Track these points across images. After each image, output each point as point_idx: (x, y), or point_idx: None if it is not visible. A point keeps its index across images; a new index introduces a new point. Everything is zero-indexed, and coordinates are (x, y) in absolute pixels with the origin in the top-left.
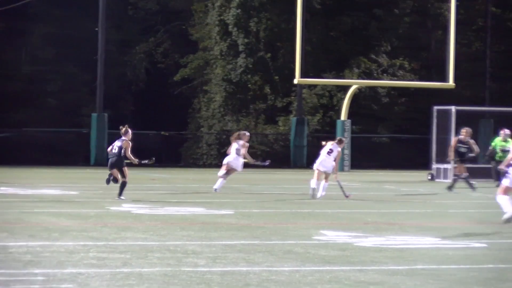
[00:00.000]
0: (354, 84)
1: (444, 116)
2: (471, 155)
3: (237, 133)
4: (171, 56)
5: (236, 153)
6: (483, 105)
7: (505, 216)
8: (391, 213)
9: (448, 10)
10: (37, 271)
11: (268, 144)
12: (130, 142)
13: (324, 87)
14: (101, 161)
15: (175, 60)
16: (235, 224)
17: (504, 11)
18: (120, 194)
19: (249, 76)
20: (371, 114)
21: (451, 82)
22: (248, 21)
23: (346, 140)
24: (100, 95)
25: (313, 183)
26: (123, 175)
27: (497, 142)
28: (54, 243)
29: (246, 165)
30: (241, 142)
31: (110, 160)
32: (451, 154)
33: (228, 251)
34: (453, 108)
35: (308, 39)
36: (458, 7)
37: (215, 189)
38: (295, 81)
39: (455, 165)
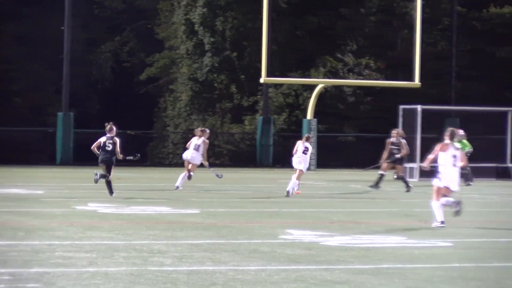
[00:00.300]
0: (320, 83)
1: (410, 115)
2: (397, 156)
3: (203, 129)
4: (137, 55)
5: (194, 149)
6: (449, 104)
7: (434, 225)
8: (357, 212)
9: (414, 9)
10: (3, 270)
11: (234, 143)
12: (117, 139)
13: (290, 86)
14: (67, 160)
15: (141, 59)
16: (201, 223)
17: (469, 10)
18: (111, 191)
19: (215, 75)
20: (337, 113)
21: (417, 81)
22: (214, 20)
23: (312, 137)
24: (66, 94)
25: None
26: (110, 173)
27: None
28: (20, 242)
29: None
30: (202, 138)
31: (103, 158)
32: (384, 156)
33: (194, 250)
34: (419, 107)
35: (274, 38)
36: (424, 6)
37: (177, 187)
38: (261, 80)
39: (384, 165)
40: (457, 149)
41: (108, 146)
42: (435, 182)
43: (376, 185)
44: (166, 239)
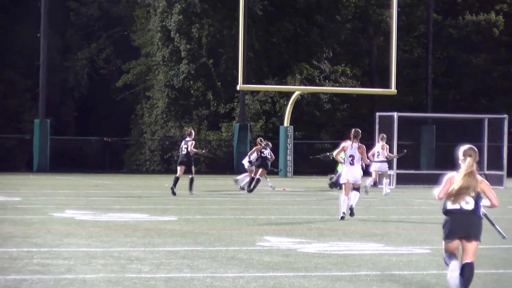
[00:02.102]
0: (297, 91)
1: (386, 122)
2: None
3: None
4: (113, 62)
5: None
6: (425, 111)
7: (341, 215)
8: (334, 219)
9: (390, 16)
10: None
11: (211, 150)
12: (193, 142)
13: (267, 93)
14: (43, 167)
15: (117, 66)
16: (179, 230)
17: (445, 18)
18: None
19: (191, 82)
20: (313, 120)
21: (393, 89)
22: (190, 27)
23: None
24: (42, 101)
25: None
26: (191, 172)
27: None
28: None
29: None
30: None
31: (182, 159)
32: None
33: (172, 258)
34: (395, 114)
35: (250, 45)
36: (399, 14)
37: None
38: (238, 87)
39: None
40: (358, 148)
41: (184, 150)
42: (341, 180)
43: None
44: (144, 246)
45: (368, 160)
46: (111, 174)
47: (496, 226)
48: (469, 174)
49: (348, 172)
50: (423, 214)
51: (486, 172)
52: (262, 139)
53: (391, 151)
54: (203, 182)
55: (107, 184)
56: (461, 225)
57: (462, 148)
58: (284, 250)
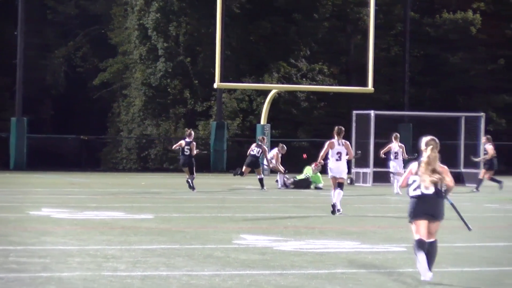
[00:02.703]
0: (274, 89)
1: (363, 121)
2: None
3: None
4: (91, 60)
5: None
6: (402, 109)
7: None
8: (311, 217)
9: (367, 15)
10: None
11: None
12: (194, 143)
13: (244, 91)
14: (20, 165)
15: (94, 64)
16: (155, 228)
17: (422, 16)
18: (193, 187)
19: (168, 80)
20: (290, 119)
21: (370, 87)
22: (168, 25)
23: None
24: (19, 99)
25: None
26: (192, 173)
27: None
28: None
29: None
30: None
31: (184, 161)
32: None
33: (148, 256)
34: (372, 113)
35: (228, 43)
36: (377, 12)
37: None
38: (215, 86)
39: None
40: (343, 145)
41: (187, 151)
42: (329, 174)
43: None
44: (120, 244)
45: (353, 155)
46: (88, 172)
47: (463, 217)
48: (432, 162)
49: (335, 168)
50: (399, 212)
51: (463, 170)
52: (264, 138)
53: (368, 149)
54: (180, 180)
55: (83, 182)
56: (425, 207)
57: (425, 139)
58: (261, 248)
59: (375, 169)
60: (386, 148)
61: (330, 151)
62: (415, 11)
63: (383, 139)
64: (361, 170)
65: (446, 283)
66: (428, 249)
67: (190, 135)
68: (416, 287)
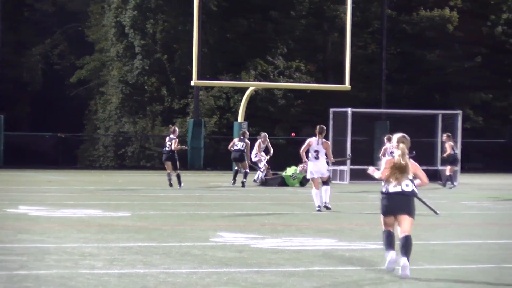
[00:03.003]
0: (251, 86)
1: (340, 118)
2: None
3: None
4: (68, 58)
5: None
6: (379, 107)
7: (317, 208)
8: (288, 214)
9: (344, 12)
10: None
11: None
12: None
13: (221, 89)
14: None
15: (71, 62)
16: (132, 226)
17: (399, 14)
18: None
19: (145, 77)
20: (267, 116)
21: (347, 84)
22: (145, 23)
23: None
24: None
25: None
26: (176, 167)
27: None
28: None
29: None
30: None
31: (166, 156)
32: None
33: (125, 253)
34: (349, 110)
35: (205, 41)
36: (354, 10)
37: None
38: (192, 83)
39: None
40: (323, 143)
41: (168, 147)
42: (308, 175)
43: None
44: (97, 242)
45: (332, 158)
46: (65, 170)
47: (427, 203)
48: (403, 159)
49: (314, 167)
50: (376, 210)
51: (440, 167)
52: (246, 132)
53: (344, 146)
54: (157, 178)
55: (61, 180)
56: (397, 204)
57: (396, 136)
58: (238, 245)
59: (352, 167)
60: (383, 151)
61: (309, 148)
62: (392, 8)
63: (360, 136)
64: (338, 168)
65: (423, 280)
66: (405, 243)
67: (174, 131)
68: (393, 284)
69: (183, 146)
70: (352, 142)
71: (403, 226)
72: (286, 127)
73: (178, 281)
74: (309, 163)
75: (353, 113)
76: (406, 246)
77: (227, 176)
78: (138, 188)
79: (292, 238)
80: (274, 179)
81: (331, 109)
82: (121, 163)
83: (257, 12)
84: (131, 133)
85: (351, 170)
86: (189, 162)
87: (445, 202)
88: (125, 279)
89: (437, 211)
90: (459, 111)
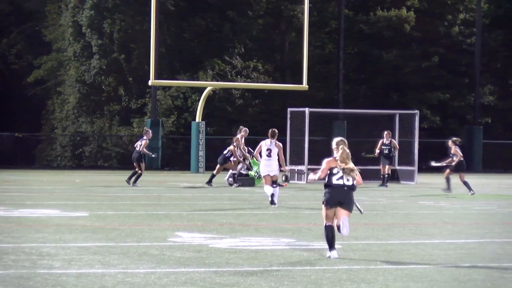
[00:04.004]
0: (208, 86)
1: (298, 118)
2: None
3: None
4: (25, 57)
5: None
6: (336, 107)
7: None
8: (246, 214)
9: (302, 12)
10: None
11: (123, 146)
12: (146, 142)
13: (179, 88)
14: None
15: (28, 61)
16: (90, 226)
17: (356, 14)
18: (133, 180)
19: (103, 77)
20: (225, 116)
21: (304, 84)
22: (102, 22)
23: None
24: None
25: None
26: (139, 167)
27: None
28: None
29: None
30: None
31: (133, 155)
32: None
33: (83, 253)
34: (306, 110)
35: (162, 40)
36: (311, 9)
37: None
38: (150, 83)
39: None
40: (276, 144)
41: (137, 146)
42: (261, 173)
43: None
44: (55, 242)
45: (283, 159)
46: (22, 169)
47: (356, 203)
48: (344, 158)
49: (266, 165)
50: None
51: (398, 167)
52: (236, 138)
53: (302, 146)
54: (115, 177)
55: (18, 179)
56: (339, 196)
57: (335, 140)
58: (196, 245)
59: (310, 166)
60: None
61: (262, 148)
62: (349, 8)
63: (317, 136)
64: (296, 168)
65: (380, 281)
66: (342, 222)
67: (146, 133)
68: (351, 284)
69: (150, 153)
70: (310, 142)
71: (341, 214)
72: (243, 126)
73: (136, 281)
74: (261, 161)
75: (311, 113)
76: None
77: (185, 176)
78: (96, 188)
79: (250, 238)
80: (247, 180)
81: (289, 109)
82: (79, 163)
83: (214, 11)
84: (89, 133)
85: (309, 169)
86: (146, 162)
87: (403, 202)
88: (83, 279)
89: (362, 210)
90: (416, 111)
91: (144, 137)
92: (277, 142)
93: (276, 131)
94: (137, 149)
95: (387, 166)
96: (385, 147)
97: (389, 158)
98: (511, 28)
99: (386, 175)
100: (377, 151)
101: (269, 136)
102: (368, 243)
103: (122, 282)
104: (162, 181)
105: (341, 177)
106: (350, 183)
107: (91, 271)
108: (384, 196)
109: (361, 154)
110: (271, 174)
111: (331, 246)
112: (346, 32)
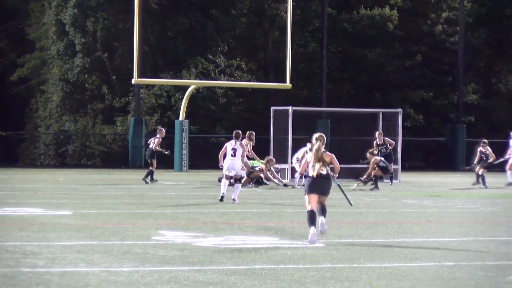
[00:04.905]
0: (192, 84)
1: (281, 117)
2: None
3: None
4: (8, 56)
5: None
6: (320, 105)
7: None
8: (230, 213)
9: (285, 10)
10: None
11: (106, 144)
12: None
13: (162, 87)
14: None
15: (12, 60)
16: (74, 224)
17: (340, 12)
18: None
19: (86, 76)
20: (209, 114)
21: (288, 83)
22: (85, 21)
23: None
24: None
25: None
26: (152, 164)
27: None
28: None
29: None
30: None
31: (146, 153)
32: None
33: (67, 252)
34: (290, 109)
35: (146, 39)
36: (294, 8)
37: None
38: (133, 81)
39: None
40: (240, 144)
41: (150, 144)
42: (224, 171)
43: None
44: (39, 241)
45: (245, 156)
46: (5, 168)
47: (346, 194)
48: (318, 152)
49: (230, 164)
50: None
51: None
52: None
53: (285, 145)
54: (98, 176)
55: (1, 178)
56: (317, 185)
57: (315, 135)
58: (179, 244)
59: (293, 165)
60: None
61: (227, 148)
62: (333, 7)
63: (301, 135)
64: (279, 166)
65: (364, 279)
66: (321, 208)
67: (159, 131)
68: (334, 282)
69: (163, 150)
70: (293, 140)
71: (320, 201)
72: (227, 125)
73: (120, 279)
74: (226, 160)
75: (294, 112)
76: (323, 210)
77: (168, 175)
78: (79, 186)
79: (234, 236)
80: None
81: (272, 108)
82: (62, 161)
83: (197, 10)
84: (72, 132)
85: (292, 168)
86: (130, 161)
87: (386, 200)
88: (67, 277)
89: (351, 203)
90: (400, 110)
91: (158, 136)
92: (241, 143)
93: (240, 132)
94: (150, 146)
95: (389, 165)
96: (380, 147)
97: (388, 157)
98: (494, 27)
99: (389, 174)
100: (375, 152)
101: (234, 137)
102: (352, 241)
103: (106, 281)
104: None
105: (313, 170)
106: (324, 172)
107: (75, 270)
108: (368, 194)
109: (344, 152)
110: (231, 175)
111: (312, 224)
112: (330, 31)
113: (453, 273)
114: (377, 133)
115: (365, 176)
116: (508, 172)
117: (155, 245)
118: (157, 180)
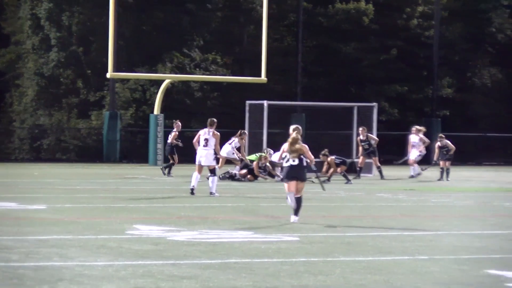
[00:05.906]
0: (167, 79)
1: (256, 111)
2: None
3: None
4: None
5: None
6: (295, 99)
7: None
8: (204, 207)
9: (260, 5)
10: None
11: (81, 139)
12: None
13: (137, 81)
14: None
15: None
16: (48, 219)
17: (315, 6)
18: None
19: (61, 70)
20: (184, 109)
21: (263, 77)
22: (60, 15)
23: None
24: None
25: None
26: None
27: None
28: None
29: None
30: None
31: (166, 147)
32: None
33: (41, 246)
34: (265, 103)
35: (121, 33)
36: (270, 2)
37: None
38: (108, 75)
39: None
40: (213, 134)
41: (169, 139)
42: (196, 161)
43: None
44: (13, 235)
45: (219, 149)
46: None
47: (321, 181)
48: (293, 142)
49: (202, 155)
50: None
51: (356, 159)
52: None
53: (260, 139)
54: (73, 170)
55: None
56: (294, 172)
57: (292, 127)
58: (154, 238)
59: (269, 160)
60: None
61: (200, 137)
62: (308, 1)
63: (276, 129)
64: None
65: (338, 273)
66: (296, 202)
67: (175, 124)
68: (308, 276)
69: (179, 143)
70: (269, 134)
71: (297, 188)
72: (202, 119)
73: (94, 273)
74: (198, 150)
75: (269, 106)
76: (299, 205)
77: (144, 169)
78: (54, 180)
79: (208, 230)
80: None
81: (247, 102)
82: (37, 155)
83: (173, 4)
84: (47, 126)
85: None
86: (104, 155)
87: (361, 194)
88: (41, 272)
89: (324, 189)
90: (375, 104)
91: (174, 129)
92: (215, 131)
93: (215, 120)
94: (168, 141)
95: (373, 158)
96: (363, 143)
97: (372, 152)
98: (469, 21)
99: (377, 167)
100: (360, 149)
101: (208, 124)
102: (326, 235)
103: (80, 275)
104: (120, 174)
105: (289, 159)
106: (296, 163)
107: (49, 264)
108: (342, 188)
109: (320, 146)
110: (204, 164)
111: (295, 213)
112: (305, 25)
113: (427, 267)
114: (360, 129)
115: (328, 175)
116: (411, 168)
117: (129, 239)
118: (172, 176)
